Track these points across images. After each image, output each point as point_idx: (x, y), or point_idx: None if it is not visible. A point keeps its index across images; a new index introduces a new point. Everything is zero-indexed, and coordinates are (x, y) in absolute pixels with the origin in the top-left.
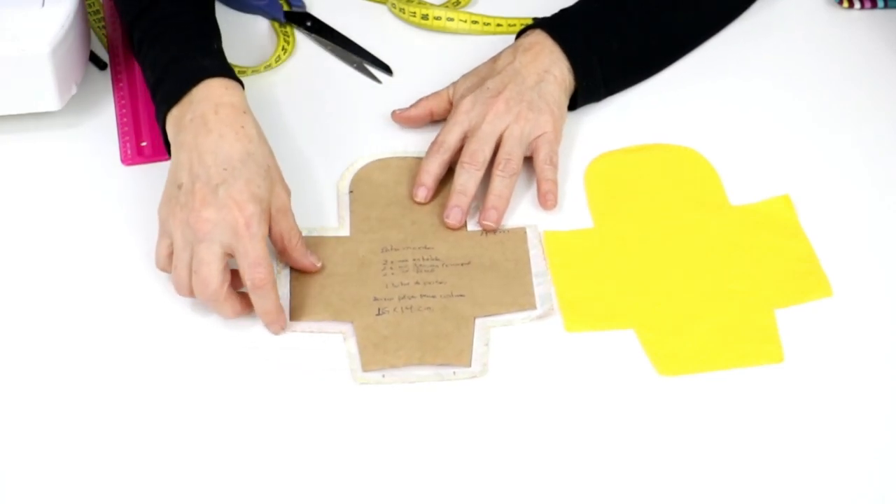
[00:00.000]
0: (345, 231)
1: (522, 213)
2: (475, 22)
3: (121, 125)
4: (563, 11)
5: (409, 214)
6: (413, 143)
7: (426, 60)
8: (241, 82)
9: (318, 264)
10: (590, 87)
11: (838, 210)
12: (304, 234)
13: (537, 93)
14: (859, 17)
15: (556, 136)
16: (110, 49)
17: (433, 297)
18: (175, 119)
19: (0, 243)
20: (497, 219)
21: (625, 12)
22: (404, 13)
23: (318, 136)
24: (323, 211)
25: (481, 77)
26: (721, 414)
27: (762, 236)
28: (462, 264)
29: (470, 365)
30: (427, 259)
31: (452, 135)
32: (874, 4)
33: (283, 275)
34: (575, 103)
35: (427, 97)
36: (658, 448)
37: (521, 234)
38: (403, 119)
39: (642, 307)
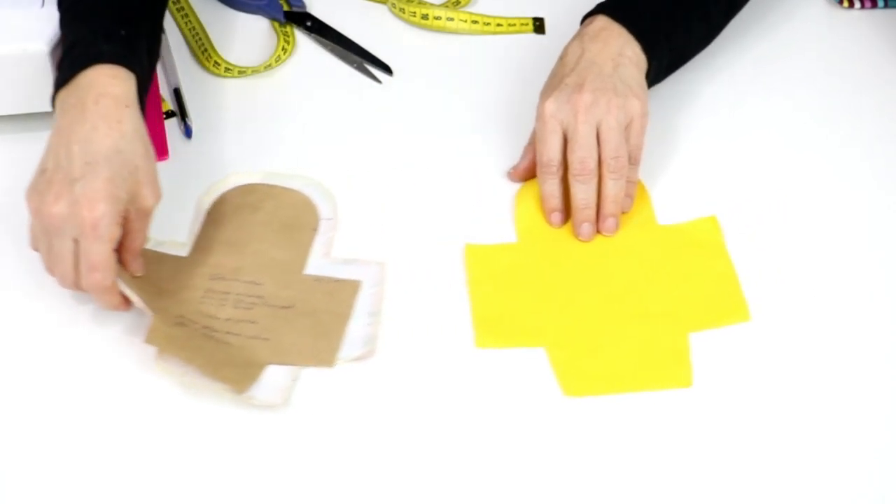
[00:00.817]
0: (185, 252)
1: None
2: (475, 22)
3: None
4: None
5: (254, 244)
6: (413, 143)
7: (426, 60)
8: (140, 73)
9: (139, 273)
10: (658, 68)
11: (833, 211)
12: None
13: (619, 78)
14: (859, 17)
15: (642, 124)
16: None
17: (237, 335)
18: (60, 101)
19: (0, 243)
20: (616, 226)
21: None
22: (404, 13)
23: (317, 136)
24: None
25: (557, 77)
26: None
27: (685, 258)
28: (283, 307)
29: (240, 394)
30: (250, 295)
31: (553, 149)
32: (874, 4)
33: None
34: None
35: (526, 149)
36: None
37: (353, 287)
38: (518, 175)
39: (554, 326)
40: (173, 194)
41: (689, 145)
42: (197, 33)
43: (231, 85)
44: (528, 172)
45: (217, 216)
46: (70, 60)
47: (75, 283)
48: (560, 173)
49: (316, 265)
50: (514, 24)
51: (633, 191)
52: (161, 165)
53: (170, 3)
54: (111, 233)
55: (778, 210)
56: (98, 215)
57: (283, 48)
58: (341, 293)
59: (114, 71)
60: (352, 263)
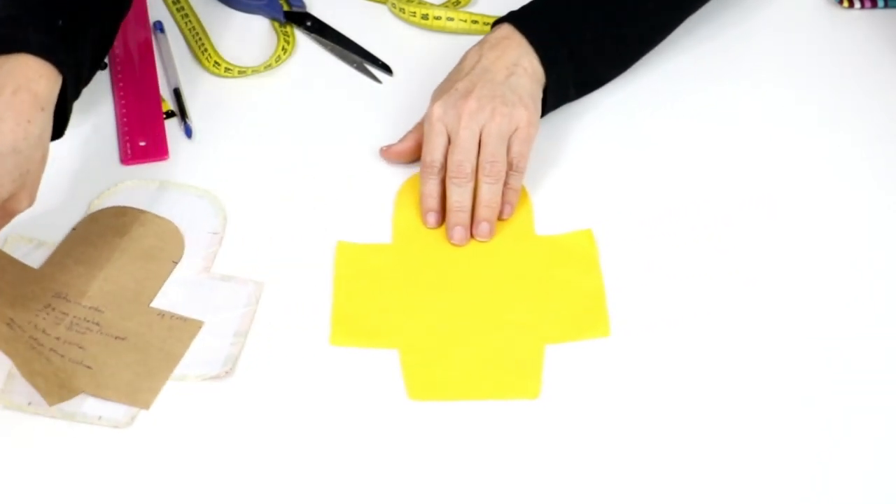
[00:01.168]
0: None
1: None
2: (475, 22)
3: (121, 125)
4: (533, 2)
5: (108, 269)
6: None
7: (426, 60)
8: (70, 75)
9: None
10: (559, 83)
11: (834, 214)
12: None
13: (508, 87)
14: (859, 17)
15: (528, 133)
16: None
17: (61, 356)
18: None
19: (0, 243)
20: (490, 231)
21: (595, 2)
22: (404, 13)
23: (317, 136)
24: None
25: (451, 82)
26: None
27: (557, 269)
28: (116, 337)
29: (146, 407)
30: (88, 320)
31: (437, 151)
32: (874, 4)
33: None
34: (545, 103)
35: (411, 130)
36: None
37: (195, 326)
38: (393, 155)
39: (410, 328)
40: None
41: (671, 145)
42: (197, 33)
43: (231, 85)
44: (399, 155)
45: (83, 233)
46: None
47: None
48: (441, 175)
49: (165, 297)
50: None
51: (515, 199)
52: (161, 165)
53: (169, 3)
54: None
55: (781, 218)
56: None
57: (283, 48)
58: (181, 332)
59: (41, 66)
60: (229, 280)
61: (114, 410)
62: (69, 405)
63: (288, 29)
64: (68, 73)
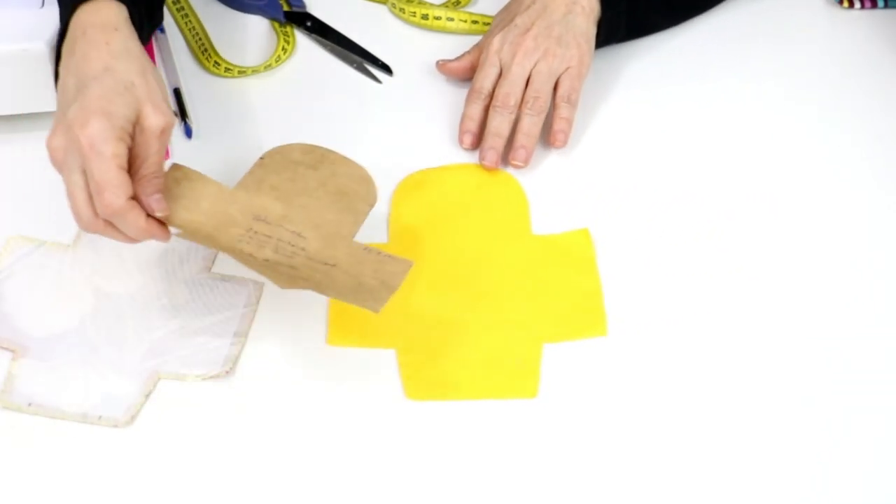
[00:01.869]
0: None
1: None
2: (475, 22)
3: None
4: None
5: (304, 198)
6: (413, 143)
7: (426, 60)
8: (130, 8)
9: (161, 213)
10: (612, 22)
11: (835, 215)
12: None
13: (565, 26)
14: (859, 17)
15: (579, 71)
16: None
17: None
18: (62, 55)
19: (0, 243)
20: (526, 157)
21: None
22: (404, 13)
23: (317, 136)
24: None
25: (511, 13)
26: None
27: (553, 269)
28: (325, 264)
29: (378, 311)
30: (293, 245)
31: (487, 79)
32: (874, 4)
33: None
34: (597, 38)
35: (469, 50)
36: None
37: (404, 266)
38: (448, 70)
39: (407, 328)
40: None
41: (671, 145)
42: (197, 33)
43: (231, 85)
44: (453, 71)
45: (270, 163)
46: (62, 14)
47: (93, 220)
48: (486, 101)
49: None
50: None
51: (567, 127)
52: None
53: (170, 3)
54: (111, 148)
55: (779, 218)
56: (91, 132)
57: (283, 48)
58: (393, 266)
59: (97, 4)
60: (229, 280)
61: (113, 409)
62: (68, 405)
63: (288, 29)
64: (128, 4)
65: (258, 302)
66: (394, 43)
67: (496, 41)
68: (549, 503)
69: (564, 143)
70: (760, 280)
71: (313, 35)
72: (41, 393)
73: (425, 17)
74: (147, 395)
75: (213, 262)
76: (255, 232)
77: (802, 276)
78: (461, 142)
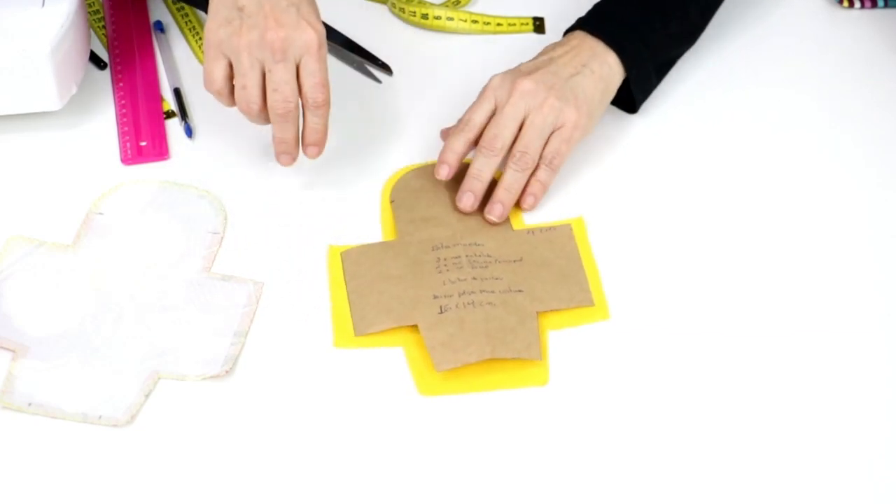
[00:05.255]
0: (391, 236)
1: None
2: (475, 21)
3: (121, 125)
4: (597, 7)
5: (454, 213)
6: (413, 143)
7: (426, 60)
8: None
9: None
10: (641, 75)
11: (832, 212)
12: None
13: (569, 85)
14: (859, 17)
15: (571, 134)
16: (110, 49)
17: (492, 292)
18: None
19: (0, 243)
20: (502, 214)
21: None
22: (404, 13)
23: None
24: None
25: (518, 65)
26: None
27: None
28: (514, 261)
29: (540, 358)
30: (479, 255)
31: (478, 114)
32: (874, 4)
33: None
34: (631, 98)
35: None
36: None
37: (566, 230)
38: (446, 135)
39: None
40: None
41: (669, 140)
42: (197, 33)
43: None
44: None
45: (401, 201)
46: None
47: (295, 108)
48: (472, 136)
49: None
50: (514, 24)
51: (541, 192)
52: (162, 165)
53: (169, 3)
54: (326, 52)
55: (775, 212)
56: (321, 33)
57: None
58: (559, 239)
59: None
60: (229, 280)
61: (113, 409)
62: (68, 405)
63: None
64: None
65: (258, 301)
66: (394, 43)
67: (496, 79)
68: (564, 489)
69: (533, 206)
70: (759, 267)
71: None
72: (41, 393)
73: (425, 16)
74: (147, 395)
75: (213, 261)
76: (444, 259)
77: (800, 266)
78: (437, 172)
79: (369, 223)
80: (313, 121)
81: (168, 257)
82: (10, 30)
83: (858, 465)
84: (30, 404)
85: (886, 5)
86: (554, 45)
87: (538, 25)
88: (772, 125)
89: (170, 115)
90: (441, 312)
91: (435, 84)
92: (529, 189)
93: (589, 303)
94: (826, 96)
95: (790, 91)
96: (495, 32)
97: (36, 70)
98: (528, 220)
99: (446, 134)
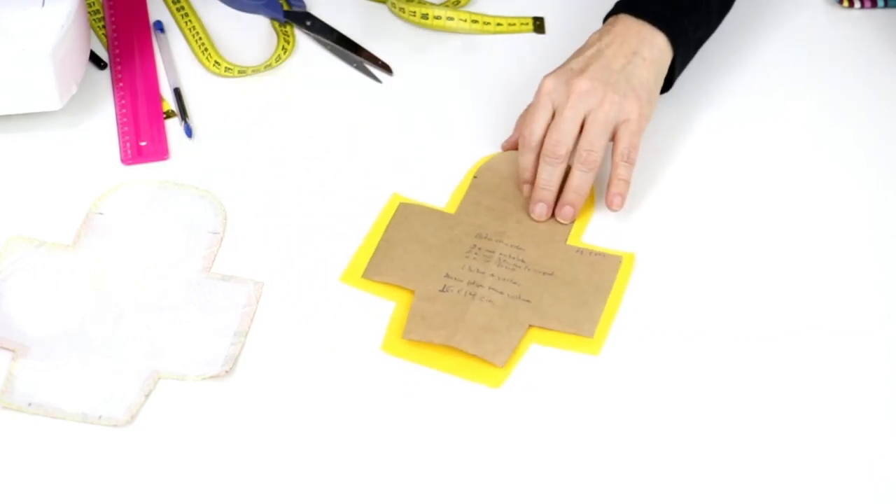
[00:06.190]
0: (452, 209)
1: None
2: (475, 21)
3: (121, 125)
4: None
5: (518, 213)
6: (413, 143)
7: (426, 60)
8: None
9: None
10: (684, 56)
11: (834, 210)
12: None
13: (624, 75)
14: (859, 17)
15: (639, 126)
16: (110, 49)
17: (500, 293)
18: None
19: (0, 243)
20: (572, 216)
21: None
22: (404, 13)
23: (317, 136)
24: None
25: (567, 61)
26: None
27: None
28: (544, 273)
29: (503, 366)
30: (514, 258)
31: (538, 123)
32: (874, 4)
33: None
34: (672, 76)
35: (520, 116)
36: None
37: (615, 262)
38: (508, 147)
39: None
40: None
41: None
42: (197, 33)
43: (231, 85)
44: (516, 145)
45: (482, 182)
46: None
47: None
48: (537, 149)
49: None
50: (514, 24)
51: (624, 189)
52: (162, 165)
53: (169, 3)
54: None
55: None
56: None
57: (283, 48)
58: (603, 266)
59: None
60: (229, 280)
61: (113, 409)
62: (68, 405)
63: (288, 29)
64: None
65: (258, 301)
66: (394, 43)
67: (549, 82)
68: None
69: (622, 205)
70: (757, 272)
71: (313, 35)
72: (41, 393)
73: (425, 16)
74: (147, 395)
75: (213, 261)
76: (479, 249)
77: (798, 267)
78: (523, 190)
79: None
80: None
81: (168, 257)
82: (10, 30)
83: (880, 470)
84: (30, 404)
85: (886, 5)
86: (599, 35)
87: (538, 25)
88: (772, 125)
89: (170, 115)
90: (441, 291)
91: (435, 84)
92: (614, 189)
93: (588, 334)
94: (826, 96)
95: (790, 91)
96: (495, 32)
97: (36, 70)
98: (587, 239)
99: (507, 145)
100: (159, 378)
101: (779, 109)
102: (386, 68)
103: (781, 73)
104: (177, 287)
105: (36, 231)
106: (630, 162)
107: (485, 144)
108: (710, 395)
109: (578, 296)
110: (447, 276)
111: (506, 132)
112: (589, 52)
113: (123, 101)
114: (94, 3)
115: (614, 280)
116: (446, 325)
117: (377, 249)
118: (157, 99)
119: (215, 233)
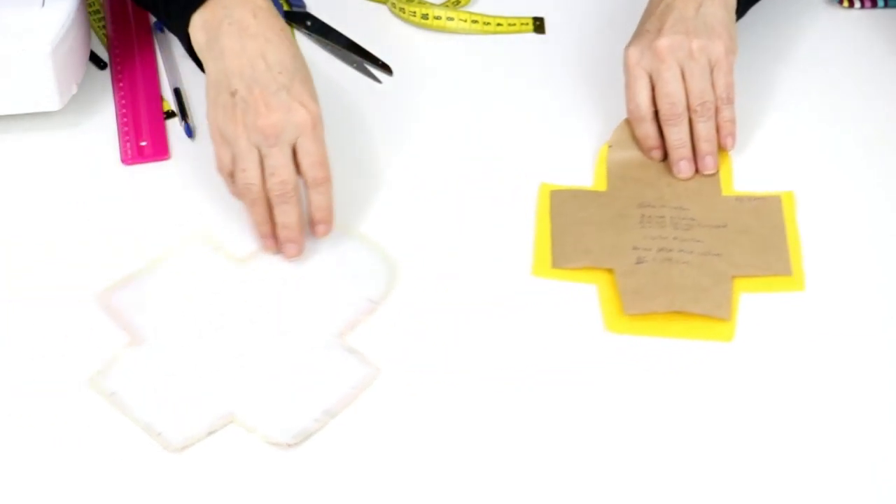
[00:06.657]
0: (602, 187)
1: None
2: (475, 21)
3: (121, 125)
4: None
5: (664, 177)
6: (414, 143)
7: (426, 60)
8: None
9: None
10: None
11: (836, 208)
12: None
13: (700, 19)
14: (859, 17)
15: (728, 64)
16: (110, 49)
17: (690, 252)
18: (205, 23)
19: (0, 243)
20: (714, 164)
21: None
22: (404, 13)
23: None
24: None
25: (641, 25)
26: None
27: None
28: (717, 226)
29: (729, 318)
30: (683, 218)
31: (639, 94)
32: (874, 4)
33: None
34: (739, 8)
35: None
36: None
37: (775, 202)
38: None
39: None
40: (175, 194)
41: None
42: None
43: None
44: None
45: (618, 153)
46: None
47: (295, 189)
48: (651, 116)
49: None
50: (514, 24)
51: (734, 128)
52: (162, 165)
53: None
54: (323, 131)
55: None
56: (315, 113)
57: None
58: (766, 208)
59: None
60: (353, 354)
61: (174, 433)
62: (141, 410)
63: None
64: None
65: (365, 388)
66: (394, 43)
67: (633, 53)
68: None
69: (734, 144)
70: None
71: (313, 35)
72: (128, 388)
73: (425, 16)
74: (210, 433)
75: (354, 330)
76: (648, 217)
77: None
78: (651, 158)
79: (372, 220)
80: (317, 199)
81: (315, 309)
82: (10, 30)
83: None
84: (113, 394)
85: (886, 5)
86: None
87: (538, 25)
88: (771, 125)
89: (170, 115)
90: (638, 263)
91: (435, 84)
92: (723, 131)
93: (786, 272)
94: (826, 96)
95: (790, 91)
96: (495, 32)
97: (36, 70)
98: (738, 186)
99: (627, 124)
100: (231, 422)
101: (778, 109)
102: (386, 68)
103: (781, 72)
104: (301, 342)
105: (35, 231)
106: (730, 101)
107: (485, 145)
108: None
109: (759, 240)
110: (635, 248)
111: (506, 132)
112: (659, 10)
113: (123, 101)
114: (94, 3)
115: (783, 219)
116: (661, 293)
117: (554, 240)
118: (158, 99)
119: (372, 301)
